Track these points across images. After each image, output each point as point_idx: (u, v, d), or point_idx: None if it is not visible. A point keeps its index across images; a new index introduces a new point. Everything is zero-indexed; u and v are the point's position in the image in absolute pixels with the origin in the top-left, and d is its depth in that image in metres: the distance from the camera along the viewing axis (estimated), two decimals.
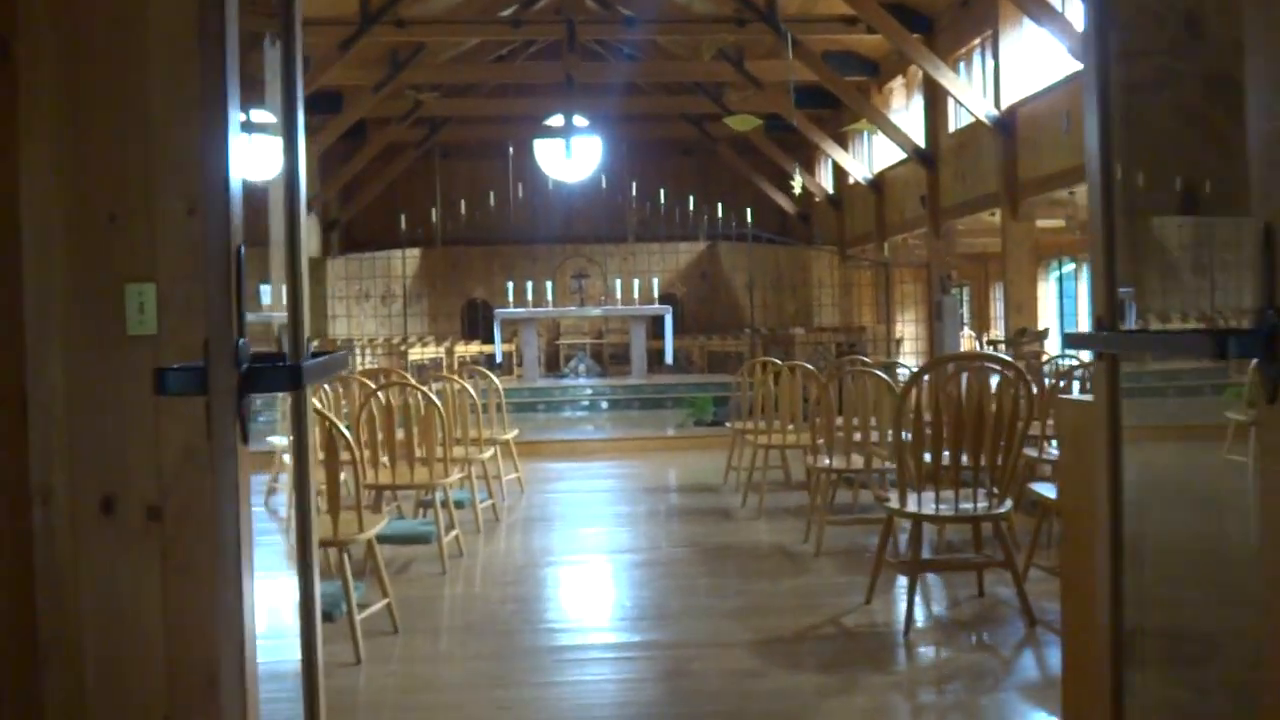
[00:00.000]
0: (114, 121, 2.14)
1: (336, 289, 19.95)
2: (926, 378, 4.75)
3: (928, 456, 4.74)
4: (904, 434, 4.77)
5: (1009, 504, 4.73)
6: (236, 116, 1.90)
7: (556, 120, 21.38)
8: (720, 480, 8.51)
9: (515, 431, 8.22)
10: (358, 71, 18.11)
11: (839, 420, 6.22)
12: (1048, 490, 5.08)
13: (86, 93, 2.17)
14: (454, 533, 6.08)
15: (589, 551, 6.43)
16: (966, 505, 4.68)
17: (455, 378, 6.92)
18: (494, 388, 7.91)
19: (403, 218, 17.67)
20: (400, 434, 5.93)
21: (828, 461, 6.01)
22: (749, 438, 7.49)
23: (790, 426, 7.20)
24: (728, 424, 8.49)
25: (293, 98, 2.58)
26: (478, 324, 19.97)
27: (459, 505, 6.94)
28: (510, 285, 15.79)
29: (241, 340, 1.86)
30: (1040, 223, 15.15)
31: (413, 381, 6.09)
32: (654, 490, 8.42)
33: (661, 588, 5.47)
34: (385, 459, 5.73)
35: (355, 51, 16.53)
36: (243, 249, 1.89)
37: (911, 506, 4.66)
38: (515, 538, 6.78)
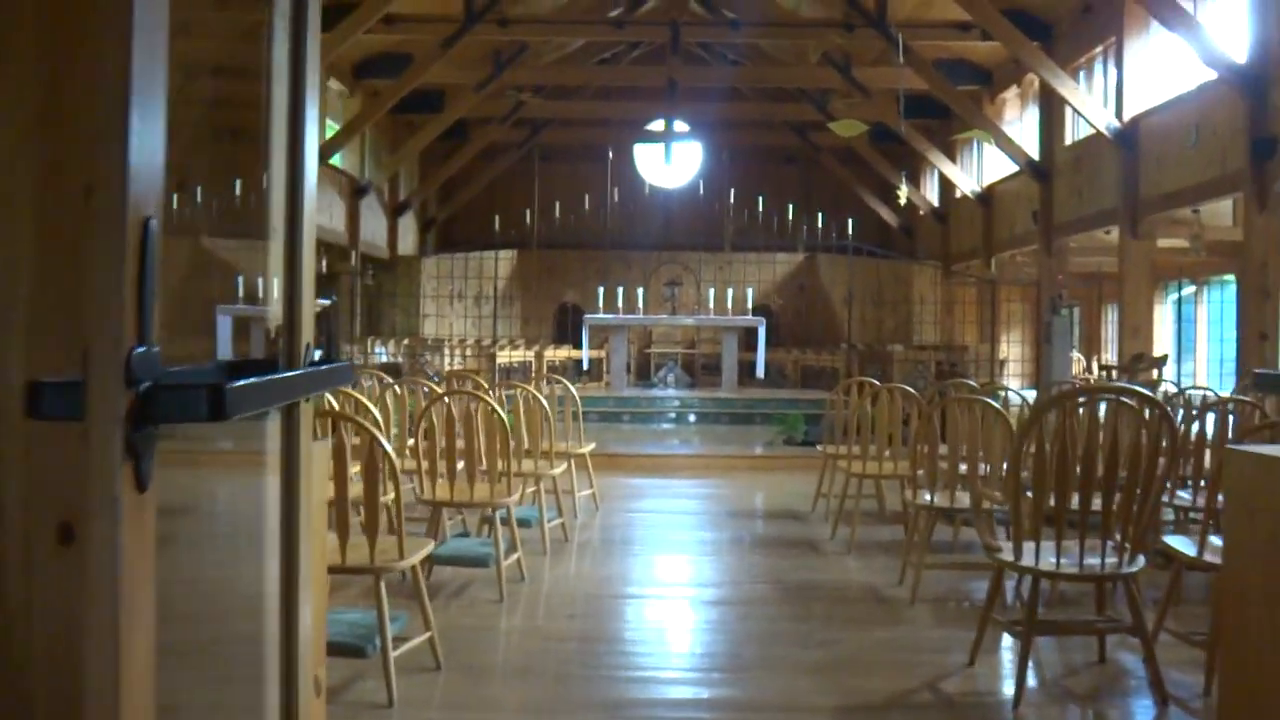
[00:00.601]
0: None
1: (429, 288, 19.70)
2: (1053, 412, 4.07)
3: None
4: (1021, 474, 4.11)
5: (1141, 561, 4.02)
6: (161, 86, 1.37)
7: (657, 125, 20.90)
8: (809, 507, 7.85)
9: (592, 445, 7.69)
10: (460, 71, 17.82)
11: (943, 450, 5.55)
12: (1183, 545, 4.36)
13: None
14: (515, 555, 5.55)
15: (662, 584, 5.86)
16: (1093, 560, 3.99)
17: (527, 386, 6.41)
18: (571, 397, 7.39)
19: (498, 218, 17.34)
20: (465, 444, 5.44)
21: (928, 497, 5.34)
22: (841, 464, 6.84)
23: (886, 454, 6.54)
24: (819, 447, 7.82)
25: (300, 60, 2.09)
26: (569, 328, 19.53)
27: (524, 524, 6.43)
28: (601, 290, 15.28)
29: (142, 348, 1.32)
30: (1160, 242, 14.15)
31: (479, 389, 5.58)
32: (738, 515, 7.80)
33: (739, 632, 4.87)
34: (445, 472, 5.24)
35: (458, 50, 16.21)
36: (153, 224, 1.35)
37: (1028, 559, 3.99)
38: (583, 562, 6.23)
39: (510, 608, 5.15)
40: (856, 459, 6.63)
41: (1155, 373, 12.73)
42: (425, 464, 5.22)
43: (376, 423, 5.25)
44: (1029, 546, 4.04)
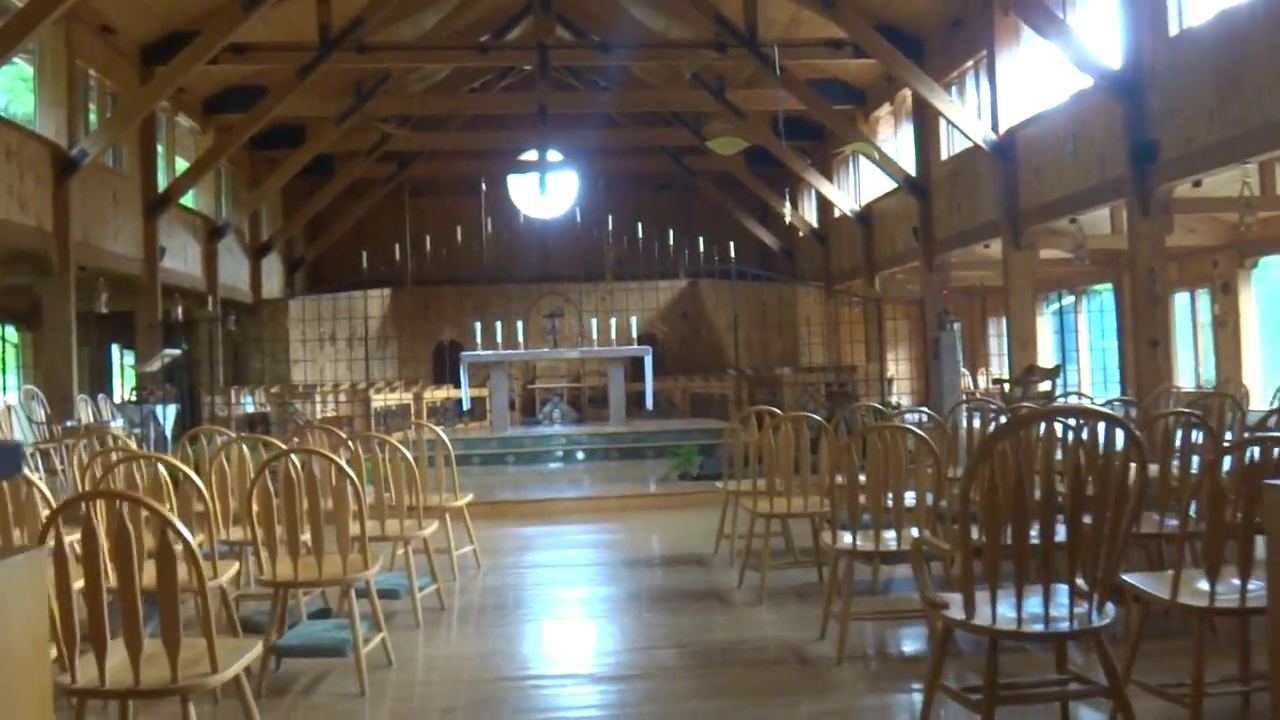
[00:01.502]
0: None
1: (298, 331, 18.52)
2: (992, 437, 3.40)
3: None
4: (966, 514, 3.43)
5: (1111, 610, 3.38)
6: None
7: (531, 155, 20.15)
8: (711, 549, 7.12)
9: (469, 496, 6.83)
10: (319, 103, 16.82)
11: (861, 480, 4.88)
12: (1149, 584, 3.76)
13: None
14: (380, 636, 4.67)
15: (552, 659, 5.05)
16: (1059, 613, 3.34)
17: (385, 436, 5.54)
18: (441, 443, 6.53)
19: (367, 256, 16.35)
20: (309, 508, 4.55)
21: (849, 539, 4.65)
22: (745, 501, 6.14)
23: (784, 484, 5.86)
24: (718, 483, 7.10)
25: None
26: (449, 367, 18.54)
27: (391, 594, 5.54)
28: (478, 325, 14.40)
29: None
30: (1042, 253, 13.93)
31: (321, 448, 4.70)
32: (635, 563, 7.01)
33: (642, 717, 4.09)
34: (290, 544, 4.36)
35: (317, 81, 15.23)
36: None
37: (983, 618, 3.31)
38: (462, 637, 5.38)
39: (374, 703, 4.27)
40: (761, 495, 5.93)
41: (1049, 384, 12.41)
42: (262, 535, 4.33)
43: (180, 488, 4.34)
44: (981, 599, 3.37)
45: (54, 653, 3.10)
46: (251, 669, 4.29)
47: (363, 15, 14.69)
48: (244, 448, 5.87)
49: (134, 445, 6.20)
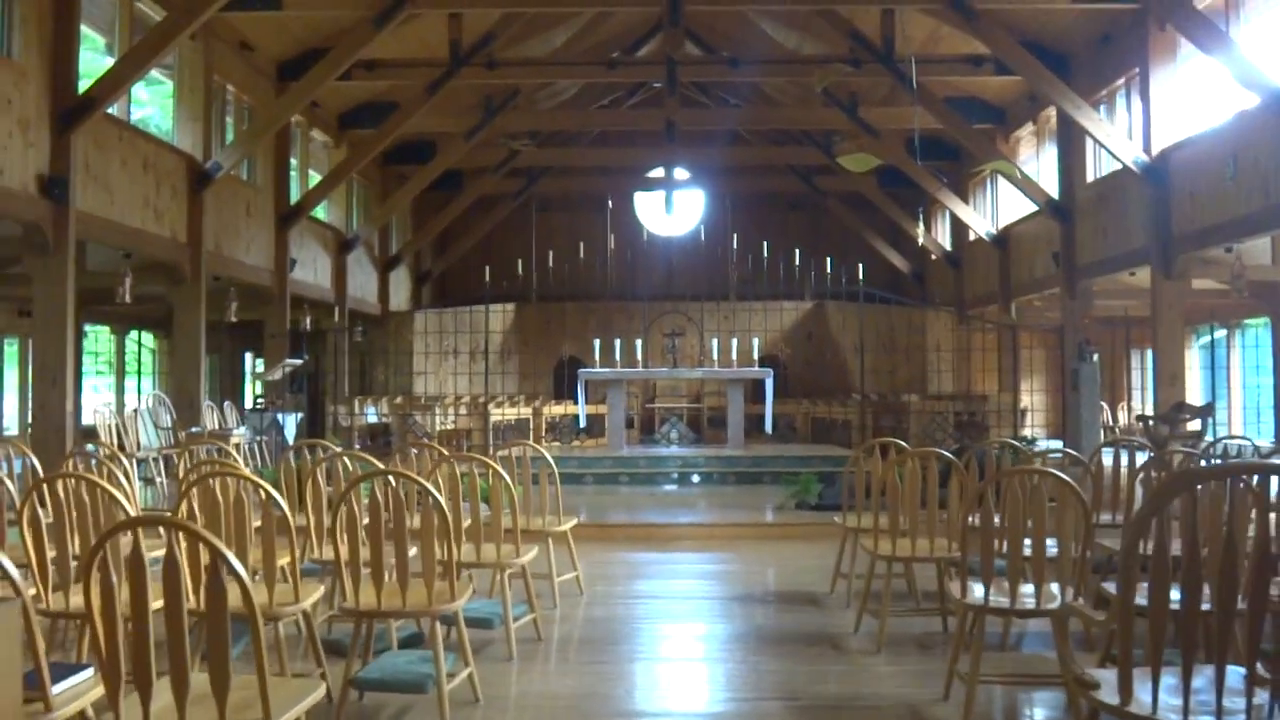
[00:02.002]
0: None
1: (422, 344, 18.61)
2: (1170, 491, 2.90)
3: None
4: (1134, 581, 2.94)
5: None
6: None
7: (657, 173, 19.93)
8: (827, 587, 6.65)
9: (574, 520, 6.51)
10: (449, 118, 16.91)
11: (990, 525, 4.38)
12: None
13: None
14: (466, 671, 4.37)
15: (651, 705, 4.67)
16: (1234, 704, 2.82)
17: (486, 459, 5.25)
18: (546, 466, 6.23)
19: (488, 270, 16.30)
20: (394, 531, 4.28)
21: (981, 593, 4.16)
22: (865, 541, 5.66)
23: (908, 524, 5.37)
24: (836, 518, 6.62)
25: None
26: (568, 383, 18.38)
27: (484, 624, 5.25)
28: (597, 343, 14.16)
29: None
30: (1194, 283, 13.02)
31: (407, 470, 4.42)
32: (746, 599, 6.58)
33: None
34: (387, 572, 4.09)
35: (447, 97, 15.28)
36: None
37: (1142, 705, 2.82)
38: (557, 673, 5.05)
39: None
40: (883, 535, 5.46)
41: (1199, 423, 11.53)
42: (346, 557, 4.08)
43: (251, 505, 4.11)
44: (1140, 680, 2.87)
45: (101, 691, 2.87)
46: (332, 697, 4.05)
47: (493, 31, 14.68)
48: (346, 462, 5.68)
49: (236, 456, 6.08)
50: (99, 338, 18.01)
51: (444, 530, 4.10)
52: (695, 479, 11.95)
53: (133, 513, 4.02)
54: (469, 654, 4.41)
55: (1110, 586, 4.32)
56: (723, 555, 8.12)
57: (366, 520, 4.24)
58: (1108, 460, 6.44)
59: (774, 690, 4.66)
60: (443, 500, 4.09)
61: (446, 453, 6.18)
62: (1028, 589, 4.19)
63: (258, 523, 4.33)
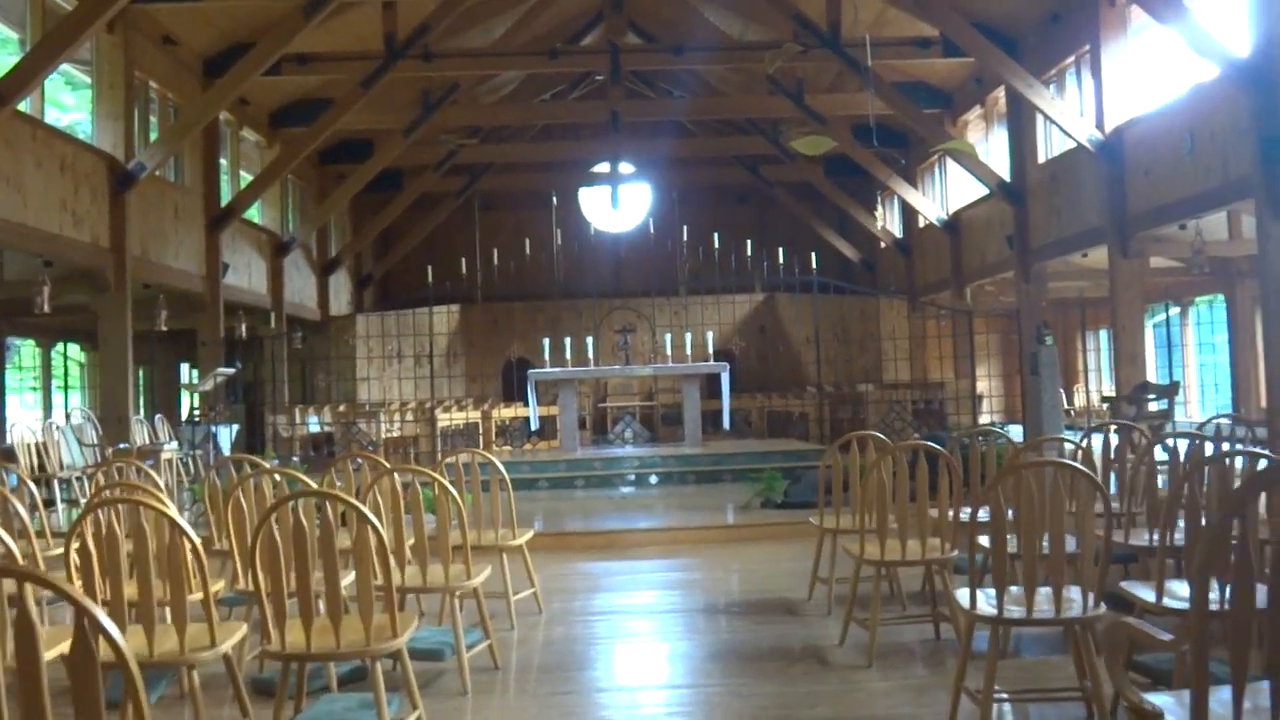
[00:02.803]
0: None
1: (365, 349, 17.90)
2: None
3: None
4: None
5: None
6: None
7: (602, 168, 19.38)
8: (804, 594, 6.14)
9: (529, 533, 5.94)
10: (386, 115, 16.25)
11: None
12: None
13: None
14: (415, 715, 3.80)
15: None
16: None
17: (429, 471, 4.67)
18: (497, 474, 5.66)
19: (431, 271, 15.65)
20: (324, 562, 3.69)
21: (993, 605, 3.68)
22: (848, 545, 5.17)
23: (896, 525, 4.89)
24: (811, 519, 6.12)
25: None
26: (517, 385, 17.78)
27: (434, 656, 4.69)
28: (547, 342, 13.60)
29: None
30: (1152, 261, 12.77)
31: (340, 489, 3.84)
32: (717, 611, 6.05)
33: None
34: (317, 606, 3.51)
35: (383, 92, 14.63)
36: None
37: None
38: (517, 707, 4.49)
39: None
40: (869, 537, 4.97)
41: (1164, 403, 11.22)
42: (268, 589, 3.50)
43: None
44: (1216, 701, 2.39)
45: None
46: None
47: (429, 22, 14.04)
48: (275, 479, 5.09)
49: (156, 477, 5.44)
50: (24, 352, 17.10)
51: (382, 553, 3.53)
52: (653, 480, 11.44)
53: (14, 550, 3.41)
54: (416, 695, 3.84)
55: (1133, 588, 3.86)
56: (689, 561, 7.60)
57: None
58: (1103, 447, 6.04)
59: (759, 717, 4.15)
60: (379, 520, 3.52)
61: (387, 464, 5.60)
62: (1044, 592, 3.72)
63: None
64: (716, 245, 16.32)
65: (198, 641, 3.56)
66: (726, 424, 12.94)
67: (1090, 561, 3.62)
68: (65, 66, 13.24)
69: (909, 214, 19.32)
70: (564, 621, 5.90)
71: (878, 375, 18.04)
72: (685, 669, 5.01)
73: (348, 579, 4.34)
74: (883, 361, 18.13)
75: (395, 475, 4.87)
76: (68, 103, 13.59)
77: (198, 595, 4.01)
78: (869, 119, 16.01)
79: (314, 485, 4.68)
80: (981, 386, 16.96)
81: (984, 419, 16.00)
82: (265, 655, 3.66)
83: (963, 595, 3.81)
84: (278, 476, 5.17)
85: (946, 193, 18.04)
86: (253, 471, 5.12)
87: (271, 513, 3.48)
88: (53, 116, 12.38)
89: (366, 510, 3.48)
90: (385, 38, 13.76)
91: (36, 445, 10.16)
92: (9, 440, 10.27)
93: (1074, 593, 3.70)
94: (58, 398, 18.32)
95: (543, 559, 7.16)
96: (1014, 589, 3.77)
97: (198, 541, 3.50)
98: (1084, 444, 5.81)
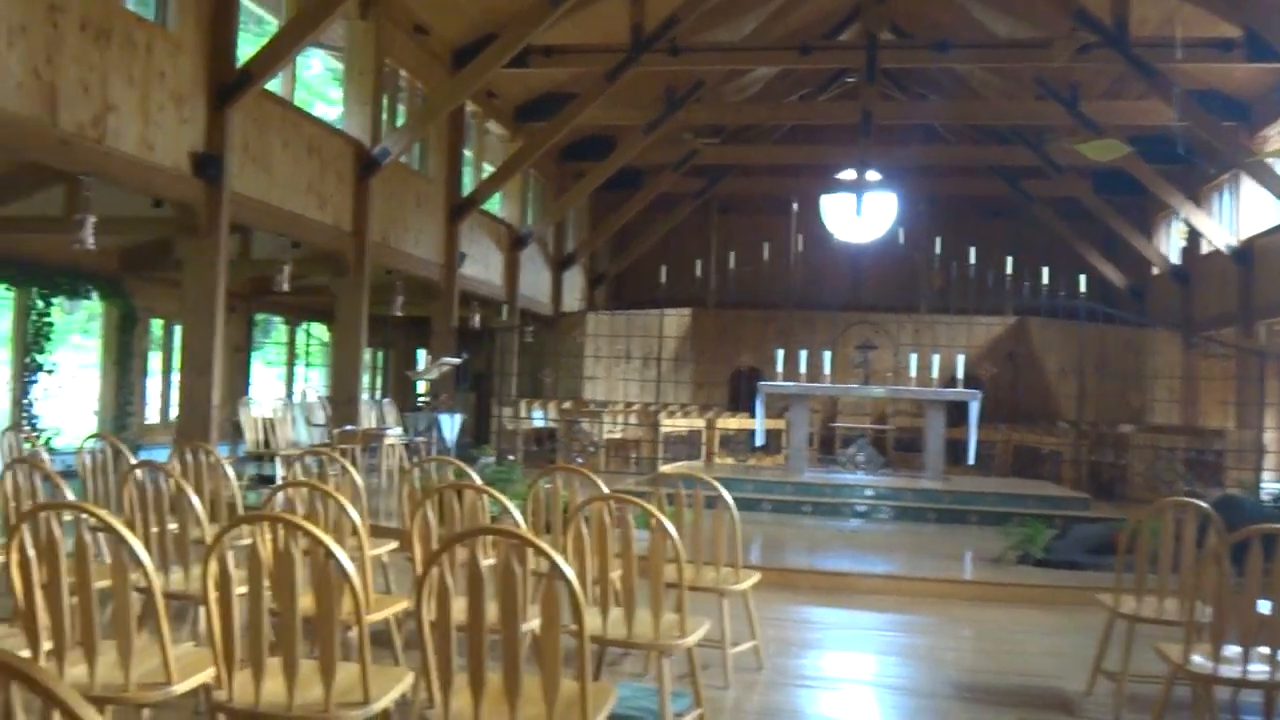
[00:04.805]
0: None
1: (593, 347, 17.50)
2: None
3: None
4: None
5: None
6: None
7: (848, 174, 18.28)
8: (1080, 685, 4.97)
9: (754, 578, 5.08)
10: (629, 111, 15.77)
11: None
12: None
13: None
14: None
15: None
16: None
17: (647, 505, 3.87)
18: (726, 507, 4.82)
19: (666, 272, 15.00)
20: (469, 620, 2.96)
21: None
22: (1161, 647, 4.01)
23: (1239, 635, 3.71)
24: (1103, 597, 4.94)
25: None
26: (743, 395, 16.94)
27: None
28: (780, 354, 12.69)
29: None
30: None
31: (530, 536, 3.06)
32: (966, 694, 4.95)
33: None
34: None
35: (627, 87, 14.13)
36: None
37: None
38: None
39: None
40: (1198, 645, 3.81)
41: None
42: (434, 642, 2.78)
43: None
44: None
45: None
46: None
47: (678, 15, 13.42)
48: (475, 498, 4.44)
49: (349, 465, 4.94)
50: (272, 328, 17.62)
51: (577, 608, 2.75)
52: (884, 514, 10.34)
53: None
54: None
55: None
56: (931, 620, 6.51)
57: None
58: None
59: None
60: (570, 575, 2.72)
61: (597, 479, 4.88)
62: None
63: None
64: (972, 261, 14.92)
65: (345, 694, 2.89)
66: (971, 459, 11.65)
67: None
68: (328, 59, 13.41)
69: (1191, 239, 17.26)
70: (785, 684, 5.00)
71: (1139, 416, 16.14)
72: None
73: (530, 624, 3.61)
74: (1150, 402, 16.22)
75: (610, 505, 4.09)
76: (334, 97, 13.72)
77: (370, 616, 3.39)
78: (1153, 130, 14.31)
79: (512, 509, 4.00)
80: (1269, 438, 14.84)
81: (1266, 475, 13.96)
82: None
83: None
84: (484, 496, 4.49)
85: (1238, 216, 15.94)
86: (453, 482, 4.49)
87: (442, 553, 2.76)
88: (320, 111, 12.48)
89: (561, 561, 2.70)
90: (631, 29, 13.24)
91: (265, 422, 10.11)
92: (240, 416, 10.29)
93: None
94: (302, 373, 18.83)
95: (763, 597, 6.25)
96: None
97: (352, 575, 2.81)
98: None
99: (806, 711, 4.66)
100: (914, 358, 12.22)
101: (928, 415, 11.53)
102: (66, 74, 7.41)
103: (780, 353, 12.66)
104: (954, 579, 7.41)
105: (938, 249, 15.79)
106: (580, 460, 12.91)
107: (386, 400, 12.96)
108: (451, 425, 12.77)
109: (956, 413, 12.36)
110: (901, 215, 19.30)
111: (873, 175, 17.25)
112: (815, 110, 18.65)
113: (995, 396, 17.01)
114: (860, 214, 16.90)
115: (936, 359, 11.92)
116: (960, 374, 11.98)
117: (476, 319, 15.29)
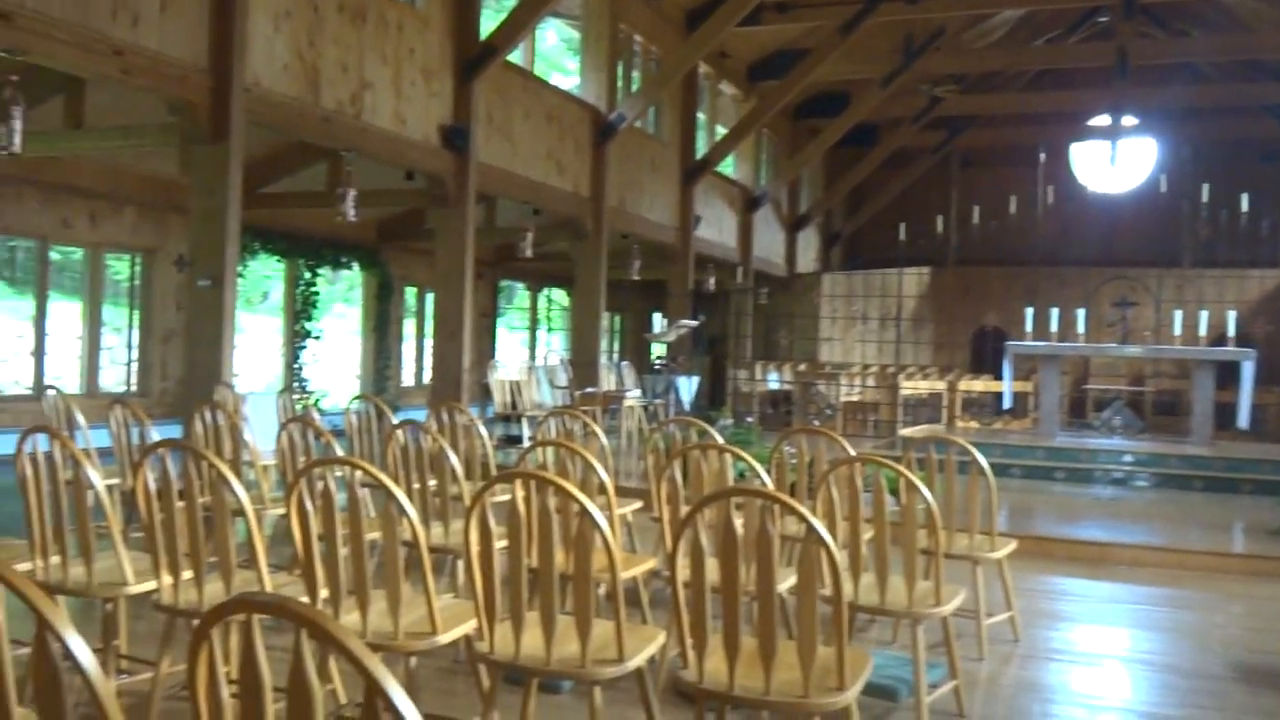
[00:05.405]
0: None
1: (829, 308, 17.22)
2: None
3: None
4: None
5: None
6: None
7: (1101, 120, 17.11)
8: None
9: (1011, 545, 4.86)
10: (864, 64, 15.34)
11: None
12: None
13: None
14: None
15: None
16: None
17: (897, 466, 3.75)
18: (982, 477, 4.62)
19: (903, 230, 14.53)
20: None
21: None
22: None
23: None
24: None
25: None
26: (986, 356, 16.26)
27: (886, 694, 3.80)
28: (1030, 312, 12.07)
29: None
30: None
31: (783, 496, 3.02)
32: (1236, 676, 4.59)
33: None
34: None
35: (862, 40, 13.75)
36: None
37: None
38: None
39: None
40: None
41: None
42: (687, 598, 2.78)
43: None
44: None
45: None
46: None
47: None
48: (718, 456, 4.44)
49: (595, 427, 5.05)
50: (515, 293, 18.28)
51: (834, 572, 2.69)
52: (1143, 481, 9.69)
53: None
54: None
55: None
56: (1198, 595, 6.05)
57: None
58: None
59: None
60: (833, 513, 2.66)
61: (842, 440, 4.78)
62: None
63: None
64: (1244, 209, 13.69)
65: (601, 650, 2.94)
66: (1244, 422, 10.72)
67: None
68: (564, 29, 13.67)
69: None
70: (1042, 658, 4.76)
71: None
72: None
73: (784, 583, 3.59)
74: None
75: (858, 467, 3.99)
76: (570, 68, 14.01)
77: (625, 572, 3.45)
78: None
79: (759, 470, 3.96)
80: None
81: None
82: (679, 684, 2.97)
83: None
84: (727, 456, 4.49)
85: None
86: (699, 442, 4.50)
87: (696, 511, 2.76)
88: (556, 82, 12.79)
89: (819, 525, 2.64)
90: None
91: (511, 384, 10.52)
92: (488, 378, 10.74)
93: None
94: (543, 337, 19.48)
95: (1015, 566, 5.98)
96: None
97: (608, 534, 2.85)
98: None
99: (1068, 688, 4.42)
100: (1178, 314, 11.34)
101: (1195, 376, 10.71)
102: (327, 55, 7.87)
103: (1029, 311, 12.05)
104: (1224, 551, 6.85)
105: (1204, 197, 14.48)
106: (817, 423, 12.76)
107: (625, 363, 13.21)
108: (689, 387, 12.89)
109: (1224, 374, 11.43)
110: (1162, 162, 17.94)
111: (1129, 120, 16.08)
112: (1065, 53, 17.53)
113: (1270, 356, 15.62)
114: (1114, 162, 15.83)
115: (1204, 316, 10.99)
116: (1231, 332, 11.06)
117: (711, 282, 15.34)
